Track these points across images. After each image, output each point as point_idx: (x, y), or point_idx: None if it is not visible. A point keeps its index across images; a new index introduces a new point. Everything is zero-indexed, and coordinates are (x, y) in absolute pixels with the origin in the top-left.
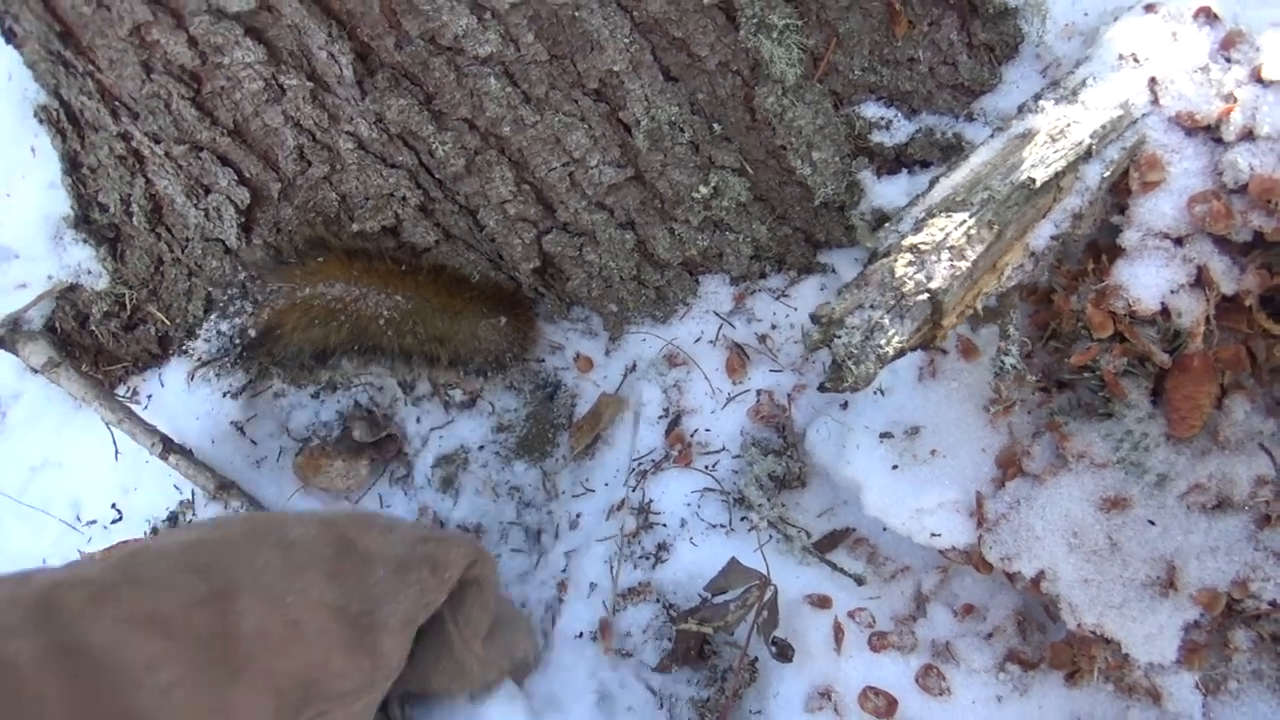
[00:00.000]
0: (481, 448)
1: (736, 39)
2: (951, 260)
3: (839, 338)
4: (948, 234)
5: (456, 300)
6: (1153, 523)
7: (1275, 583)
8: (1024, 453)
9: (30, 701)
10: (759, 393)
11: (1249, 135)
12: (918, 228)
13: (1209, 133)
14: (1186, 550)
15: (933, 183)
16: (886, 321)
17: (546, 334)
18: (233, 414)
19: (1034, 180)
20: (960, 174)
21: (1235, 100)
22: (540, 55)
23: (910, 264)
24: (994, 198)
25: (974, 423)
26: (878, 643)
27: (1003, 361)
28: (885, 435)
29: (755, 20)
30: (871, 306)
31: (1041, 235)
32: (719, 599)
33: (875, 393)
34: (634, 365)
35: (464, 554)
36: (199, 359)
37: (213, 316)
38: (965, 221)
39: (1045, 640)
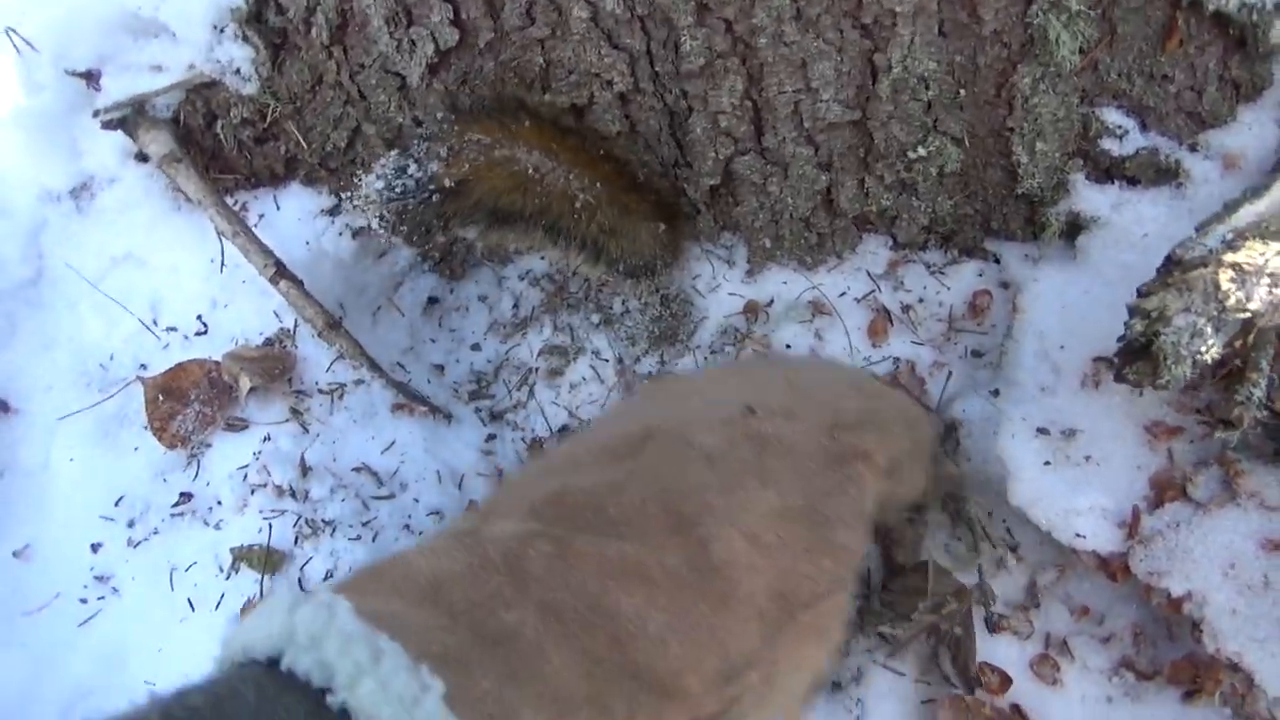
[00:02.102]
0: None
1: (1026, 12)
2: (1270, 286)
3: (1164, 335)
4: (1268, 260)
5: (631, 197)
6: None
7: None
8: (1186, 479)
9: (543, 666)
10: (897, 360)
11: None
12: (1232, 247)
13: None
14: None
15: (1229, 206)
16: (1209, 330)
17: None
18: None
19: None
20: (1263, 205)
21: None
22: None
23: (1233, 280)
24: None
25: (1131, 439)
26: (996, 624)
27: (1251, 393)
28: (1041, 430)
29: None
30: (1196, 312)
31: None
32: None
33: (1035, 387)
34: (771, 302)
35: (888, 441)
36: (371, 197)
37: (394, 153)
38: None
39: (1157, 655)
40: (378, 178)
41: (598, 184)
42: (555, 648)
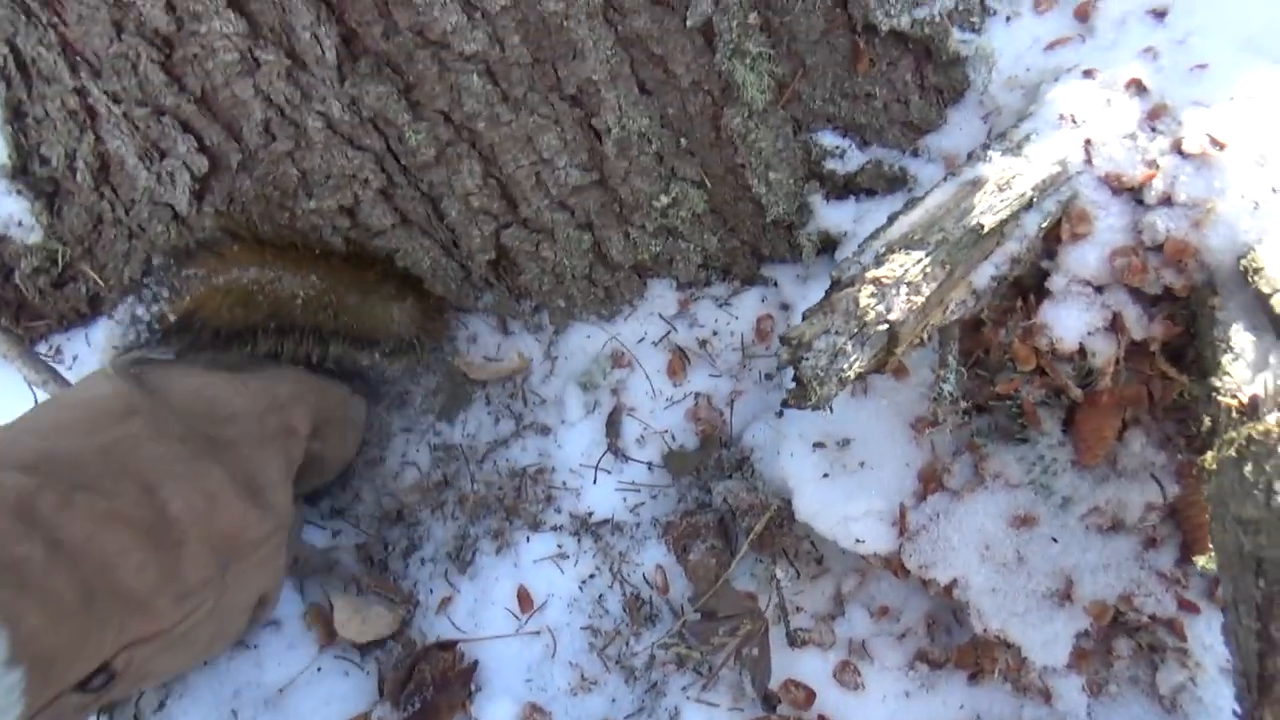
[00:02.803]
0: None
1: (712, 61)
2: (909, 295)
3: (806, 359)
4: (906, 270)
5: (367, 279)
6: (1055, 540)
7: (1156, 598)
8: (945, 469)
9: (50, 594)
10: (697, 396)
11: (1167, 200)
12: (879, 261)
13: (1133, 194)
14: (1083, 566)
15: (891, 219)
16: (849, 348)
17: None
18: None
19: (983, 225)
20: (917, 214)
21: (1158, 167)
22: (524, 58)
23: (873, 295)
24: (948, 239)
25: (900, 438)
26: (800, 638)
27: (941, 389)
28: (818, 445)
29: (732, 46)
30: (836, 332)
31: (983, 275)
32: (701, 619)
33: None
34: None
35: (304, 413)
36: (113, 345)
37: (128, 300)
38: (922, 260)
39: (951, 642)
40: (117, 323)
41: (322, 278)
42: (58, 573)
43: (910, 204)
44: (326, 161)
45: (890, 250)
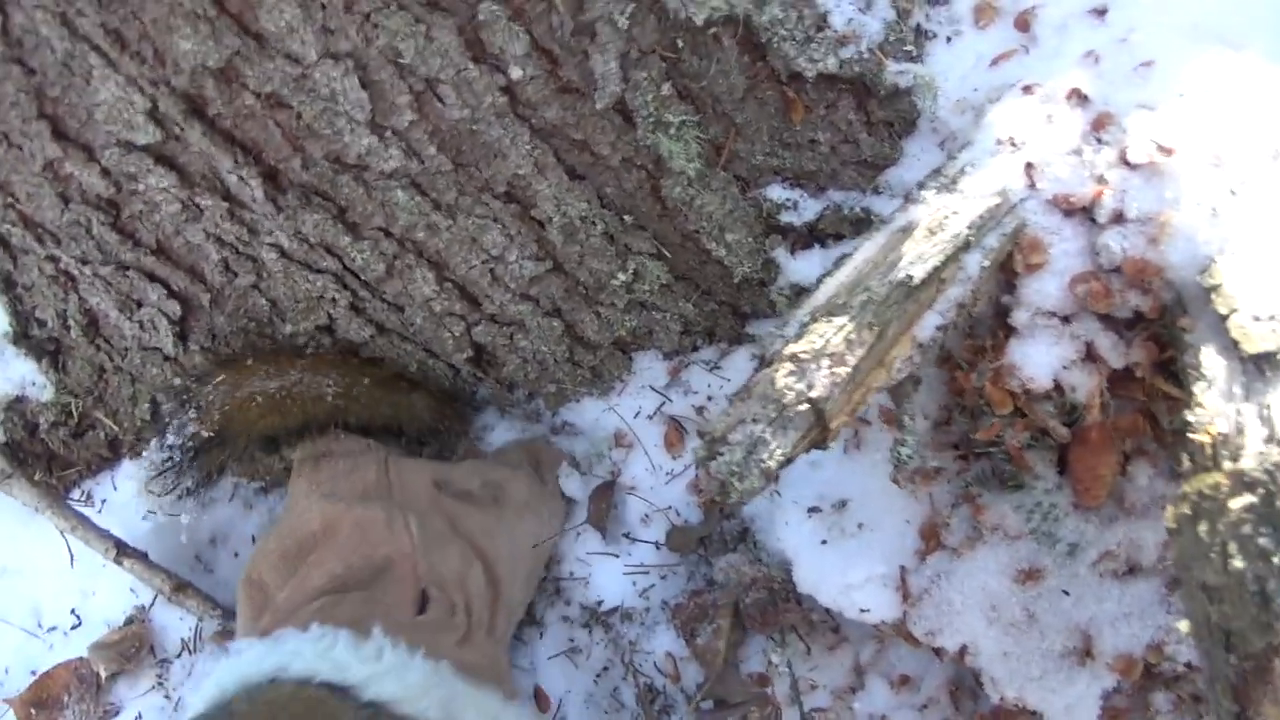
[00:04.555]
0: None
1: (636, 137)
2: (831, 367)
3: (721, 455)
4: (828, 340)
5: (382, 371)
6: (1066, 593)
7: (1189, 644)
8: (943, 525)
9: None
10: (696, 465)
11: (1120, 218)
12: (800, 334)
13: (1085, 214)
14: (1101, 618)
15: (820, 281)
16: (769, 436)
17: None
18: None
19: (912, 278)
20: (844, 273)
21: (1106, 182)
22: (445, 166)
23: (791, 374)
24: (873, 299)
25: (899, 493)
26: (817, 719)
27: (899, 452)
28: (814, 509)
29: (651, 120)
30: (754, 420)
31: (928, 327)
32: (713, 708)
33: (805, 464)
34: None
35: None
36: (152, 473)
37: (154, 441)
38: (844, 326)
39: (977, 709)
40: (151, 464)
41: (337, 376)
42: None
43: (839, 263)
44: (290, 288)
45: (814, 319)
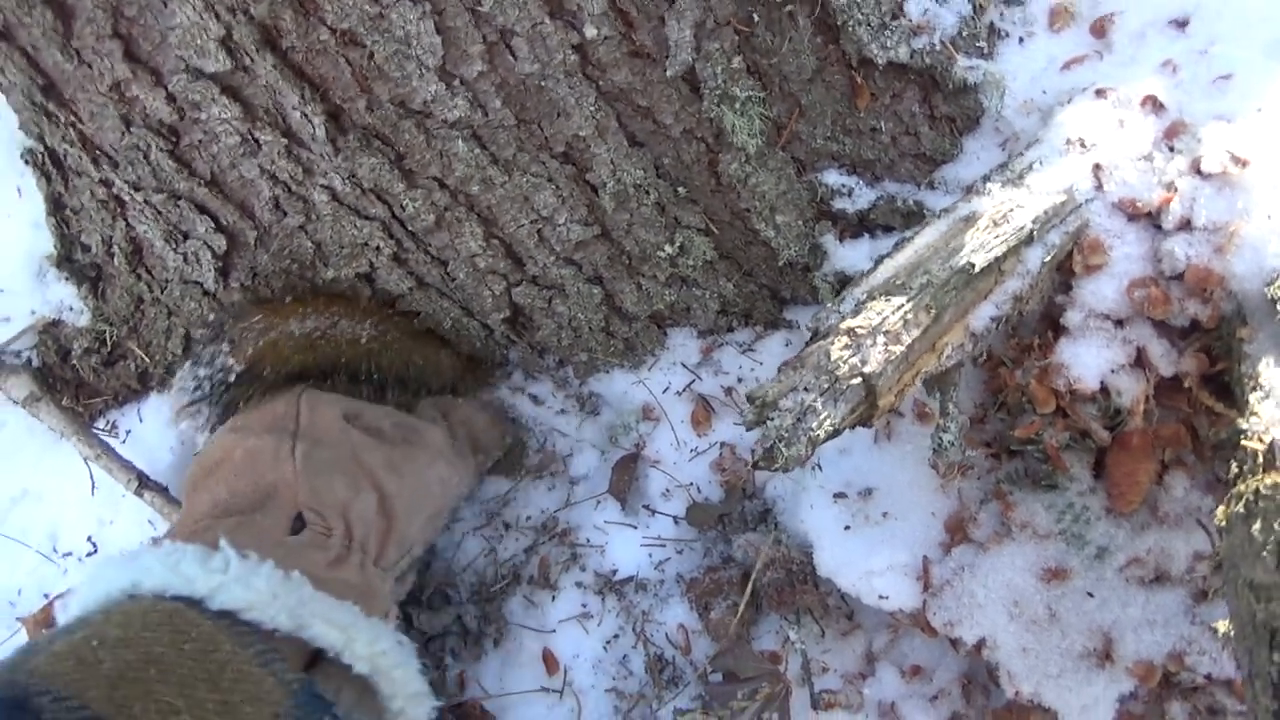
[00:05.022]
0: None
1: (700, 109)
2: (886, 344)
3: (772, 420)
4: (884, 318)
5: (419, 326)
6: (1091, 595)
7: (1210, 657)
8: (971, 519)
9: None
10: (722, 446)
11: (1187, 225)
12: (857, 310)
13: (1150, 219)
14: (1124, 623)
15: (877, 263)
16: (819, 405)
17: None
18: None
19: (973, 265)
20: (904, 256)
21: (1175, 190)
22: (508, 120)
23: (846, 347)
24: (932, 282)
25: (926, 486)
26: (826, 701)
27: (940, 439)
28: (839, 495)
29: (718, 92)
30: (805, 389)
31: (982, 316)
32: (722, 681)
33: (834, 450)
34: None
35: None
36: (181, 405)
37: (188, 364)
38: (903, 306)
39: (989, 705)
40: (179, 388)
41: (376, 324)
42: None
43: (899, 245)
44: (337, 232)
45: (871, 297)
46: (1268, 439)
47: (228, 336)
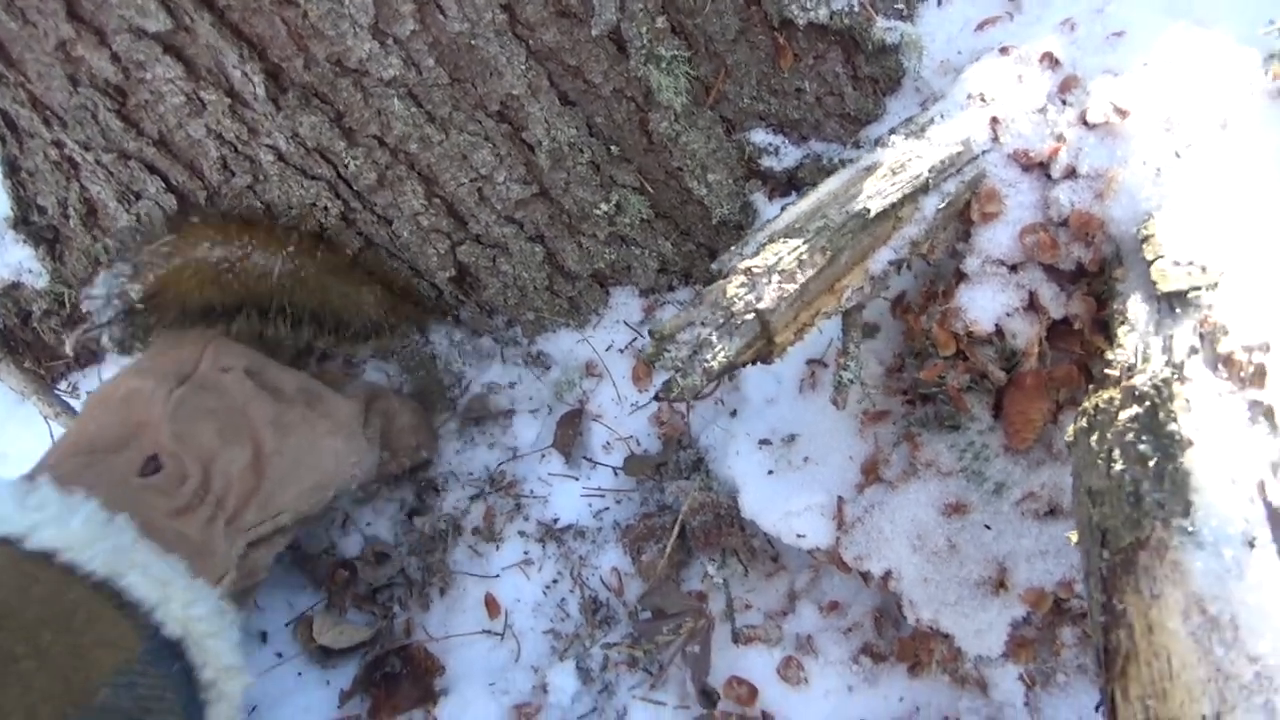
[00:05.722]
0: None
1: (628, 68)
2: (781, 283)
3: (669, 351)
4: (780, 258)
5: (340, 260)
6: (989, 527)
7: None
8: (884, 461)
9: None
10: (658, 398)
11: (1072, 173)
12: (756, 252)
13: (1042, 169)
14: (1018, 553)
15: (782, 209)
16: (714, 338)
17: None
18: None
19: (869, 210)
20: (806, 203)
21: (1064, 140)
22: (442, 79)
23: (742, 285)
24: (829, 225)
25: (845, 432)
26: (746, 635)
27: (840, 376)
28: (764, 442)
29: (644, 51)
30: (702, 324)
31: (880, 260)
32: (650, 618)
33: (762, 400)
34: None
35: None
36: (77, 336)
37: (90, 284)
38: (798, 247)
39: (898, 635)
40: (84, 309)
41: (288, 255)
42: None
43: (803, 193)
44: (285, 192)
45: (770, 240)
46: (1122, 360)
47: (131, 260)
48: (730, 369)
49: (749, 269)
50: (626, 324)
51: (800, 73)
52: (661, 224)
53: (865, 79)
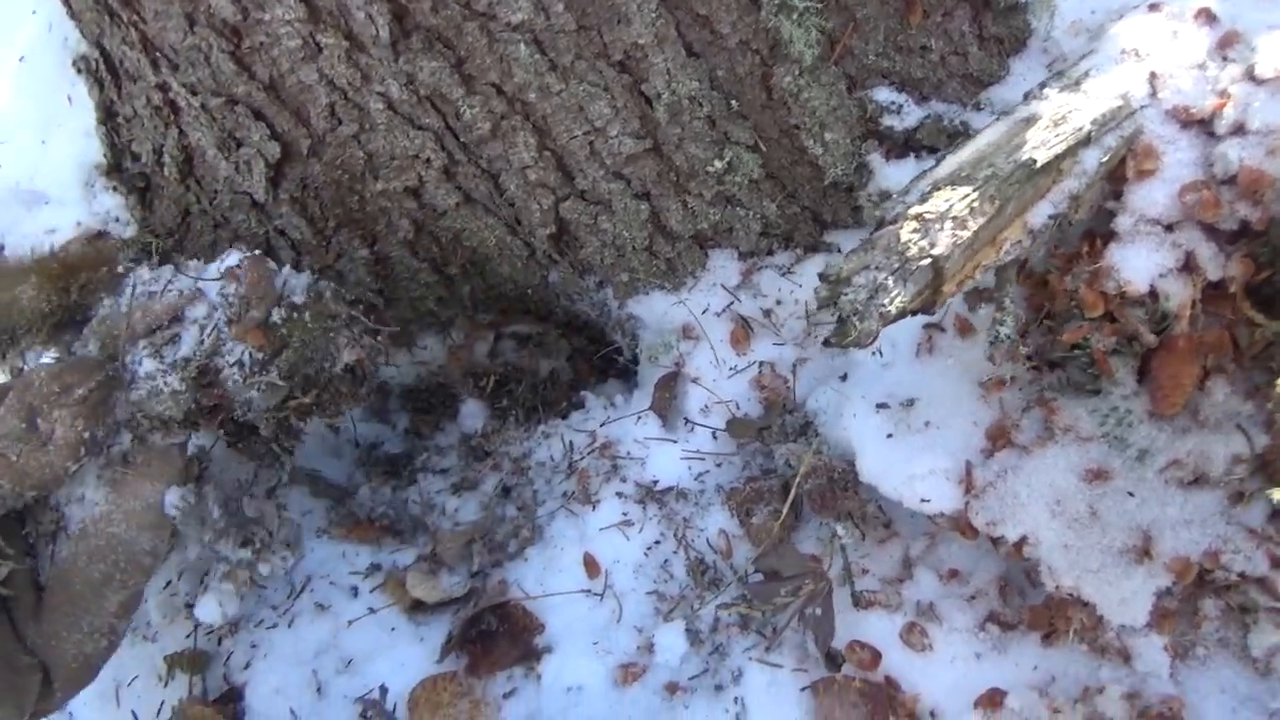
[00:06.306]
0: None
1: (758, 19)
2: (954, 230)
3: (845, 295)
4: (952, 205)
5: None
6: (1132, 494)
7: (1245, 555)
8: (1014, 425)
9: None
10: (761, 364)
11: (1240, 130)
12: (924, 199)
13: (1202, 126)
14: (1163, 522)
15: (939, 160)
16: (890, 283)
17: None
18: None
19: (1035, 160)
20: (967, 152)
21: (1229, 96)
22: (569, 25)
23: (915, 231)
24: (997, 174)
25: (967, 397)
26: (865, 600)
27: (998, 331)
28: (882, 405)
29: (777, 2)
30: (877, 268)
31: (1040, 214)
32: (764, 580)
33: (876, 364)
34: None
35: None
36: None
37: None
38: (969, 195)
39: (1024, 604)
40: None
41: None
42: None
43: (960, 143)
44: (390, 143)
45: (936, 187)
46: None
47: None
48: (902, 315)
49: (921, 215)
50: (724, 287)
51: (927, 30)
52: (769, 185)
53: (991, 38)
